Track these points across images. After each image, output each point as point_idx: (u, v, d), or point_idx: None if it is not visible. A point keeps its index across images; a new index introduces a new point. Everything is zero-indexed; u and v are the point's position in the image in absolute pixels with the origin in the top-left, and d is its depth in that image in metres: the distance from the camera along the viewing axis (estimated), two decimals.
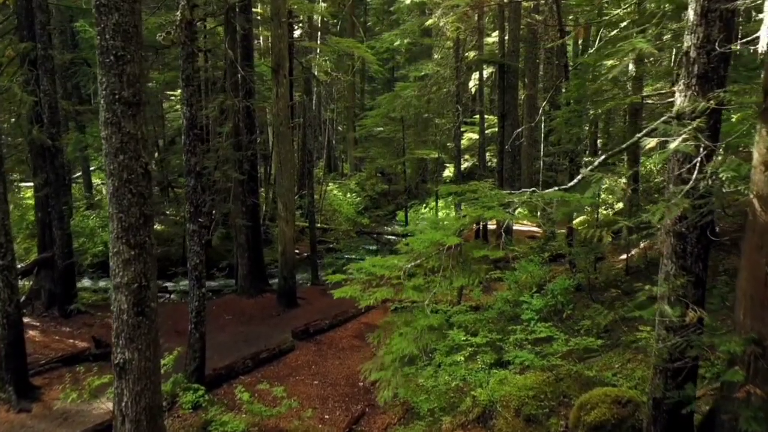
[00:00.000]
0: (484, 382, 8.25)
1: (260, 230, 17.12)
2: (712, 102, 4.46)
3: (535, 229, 19.56)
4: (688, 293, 4.96)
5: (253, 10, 18.96)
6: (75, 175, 23.90)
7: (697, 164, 4.33)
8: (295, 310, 14.61)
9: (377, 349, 9.68)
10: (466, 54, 21.54)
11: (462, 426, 7.62)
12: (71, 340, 11.95)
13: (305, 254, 19.12)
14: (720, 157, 4.28)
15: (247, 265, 15.71)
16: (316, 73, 21.42)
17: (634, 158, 13.51)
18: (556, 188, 4.76)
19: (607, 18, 12.66)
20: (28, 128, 12.43)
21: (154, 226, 19.91)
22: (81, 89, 19.37)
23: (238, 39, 15.16)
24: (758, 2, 5.29)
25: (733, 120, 6.74)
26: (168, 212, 20.93)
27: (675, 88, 5.09)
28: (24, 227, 17.92)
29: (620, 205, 17.01)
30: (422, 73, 21.00)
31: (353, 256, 20.87)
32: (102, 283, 15.83)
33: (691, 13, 4.78)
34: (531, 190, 4.58)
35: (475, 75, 26.30)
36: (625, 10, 11.88)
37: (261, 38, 24.52)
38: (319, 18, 24.12)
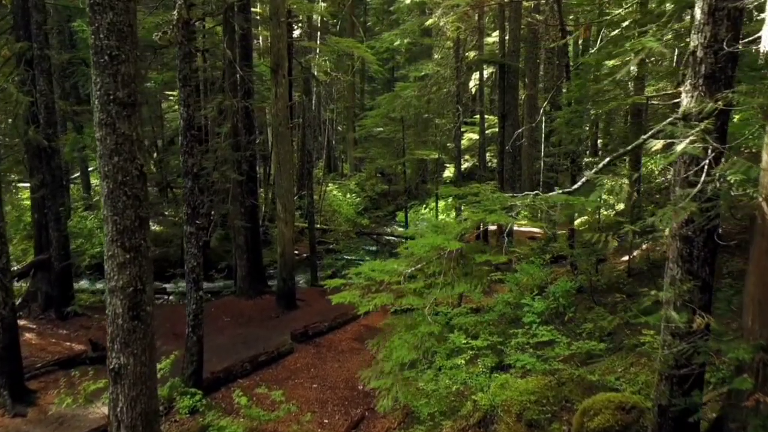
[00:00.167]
0: (485, 386, 8.15)
1: (259, 231, 17.01)
2: (720, 103, 4.35)
3: (536, 229, 19.45)
4: (694, 298, 4.84)
5: (252, 9, 18.86)
6: (74, 176, 23.83)
7: (705, 167, 4.22)
8: (295, 311, 14.50)
9: (377, 352, 9.59)
10: (467, 54, 21.43)
11: (463, 431, 7.51)
12: (68, 343, 11.84)
13: (305, 255, 19.01)
14: (729, 160, 4.17)
15: (246, 267, 15.59)
16: (315, 73, 21.30)
17: (636, 159, 13.41)
18: (560, 191, 4.65)
19: (608, 18, 12.56)
20: (24, 129, 12.32)
21: (153, 227, 19.79)
22: (79, 89, 19.27)
23: (236, 39, 15.05)
24: (761, 1, 5.19)
25: (735, 120, 6.64)
26: (167, 213, 20.84)
27: (681, 89, 4.97)
28: (21, 228, 17.81)
29: (621, 205, 16.91)
30: (422, 73, 20.91)
31: (353, 257, 20.76)
32: (100, 285, 15.71)
33: (698, 12, 4.67)
34: (534, 193, 4.47)
35: (476, 75, 26.19)
36: (626, 10, 11.79)
37: (260, 38, 24.42)
38: (319, 18, 24.02)
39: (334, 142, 33.12)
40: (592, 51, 14.81)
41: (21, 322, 12.48)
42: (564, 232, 15.08)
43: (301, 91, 21.05)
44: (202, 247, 10.14)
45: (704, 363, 4.95)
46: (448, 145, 25.83)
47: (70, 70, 18.43)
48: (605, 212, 17.10)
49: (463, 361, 8.62)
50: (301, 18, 23.01)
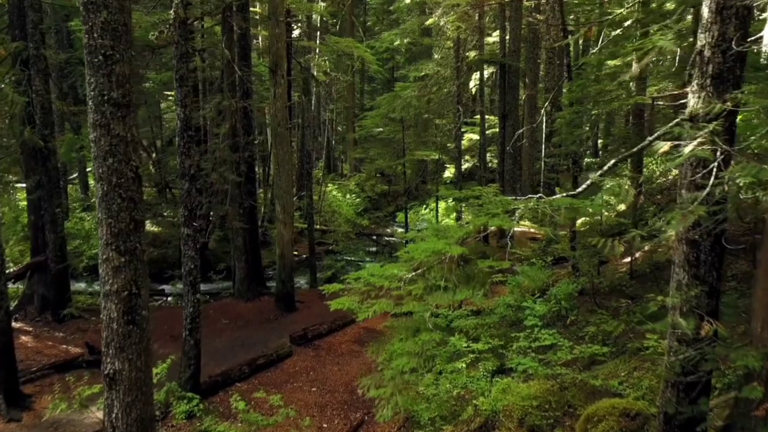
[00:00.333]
0: (487, 390, 8.04)
1: (258, 232, 16.89)
2: (729, 104, 4.23)
3: (533, 230, 19.32)
4: (701, 304, 4.73)
5: (251, 9, 18.76)
6: (72, 176, 23.73)
7: (714, 169, 4.10)
8: (294, 314, 14.39)
9: (377, 357, 9.48)
10: (467, 54, 21.32)
11: None
12: (64, 346, 11.71)
13: (304, 256, 18.90)
14: (738, 162, 4.05)
15: (245, 268, 15.47)
16: (315, 73, 21.18)
17: (638, 160, 13.29)
18: (564, 194, 4.54)
19: (610, 17, 12.47)
20: (20, 129, 12.20)
21: (152, 228, 19.66)
22: (78, 89, 19.16)
23: (235, 38, 14.92)
24: (765, 1, 5.07)
25: (737, 121, 6.53)
26: (165, 214, 20.73)
27: (687, 89, 4.86)
28: (19, 229, 17.69)
29: (622, 206, 16.79)
30: (422, 73, 20.81)
31: (353, 258, 20.66)
32: (97, 287, 15.54)
33: (705, 10, 4.56)
34: (538, 196, 4.36)
35: (476, 75, 26.07)
36: (628, 9, 11.69)
37: (259, 38, 24.30)
38: (318, 17, 23.90)
39: (333, 143, 33.00)
40: (593, 51, 14.72)
41: (17, 325, 12.38)
42: (565, 233, 14.96)
43: (301, 92, 20.93)
44: (199, 249, 10.02)
45: (711, 370, 4.83)
46: (448, 145, 25.71)
47: (68, 70, 18.35)
48: (606, 213, 16.97)
49: (463, 365, 8.51)
50: (300, 17, 22.88)
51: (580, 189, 4.59)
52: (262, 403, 8.98)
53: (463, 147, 23.95)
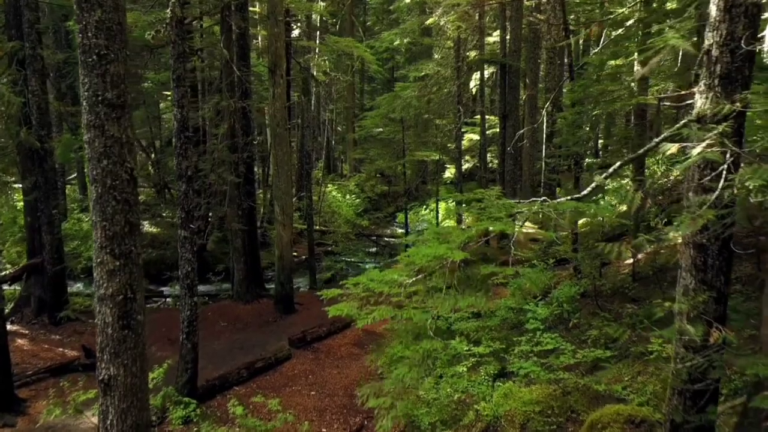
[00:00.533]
0: (488, 395, 7.93)
1: (257, 234, 16.77)
2: (738, 104, 4.12)
3: (532, 230, 19.19)
4: (709, 309, 4.61)
5: (250, 8, 18.64)
6: (70, 177, 23.61)
7: (723, 172, 3.99)
8: (293, 316, 14.26)
9: (376, 361, 9.36)
10: (467, 54, 21.20)
11: None
12: (60, 349, 11.60)
13: (304, 257, 18.78)
14: (749, 165, 3.94)
15: (244, 270, 15.35)
16: (314, 73, 21.07)
17: (640, 160, 13.15)
18: (568, 197, 4.42)
19: (612, 17, 12.35)
20: (17, 130, 12.08)
21: (150, 229, 19.50)
22: (76, 90, 19.03)
23: (234, 38, 14.81)
24: None
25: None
26: (164, 214, 20.62)
27: (695, 89, 4.74)
28: (16, 230, 17.56)
29: (623, 207, 16.66)
30: (422, 73, 20.68)
31: (352, 259, 20.54)
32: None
33: (713, 9, 4.44)
34: (542, 199, 4.24)
35: (476, 75, 25.95)
36: (630, 9, 11.58)
37: (258, 37, 24.18)
38: (318, 17, 23.80)
39: (333, 143, 32.89)
40: (595, 51, 14.61)
41: (13, 328, 12.27)
42: (566, 234, 14.84)
43: (300, 92, 20.81)
44: (197, 251, 9.92)
45: (719, 378, 4.72)
46: (448, 145, 25.58)
47: (66, 70, 18.23)
48: (608, 215, 16.84)
49: (464, 369, 8.40)
50: (299, 17, 22.77)
51: (585, 192, 4.47)
52: (260, 407, 8.86)
53: (463, 147, 23.83)
